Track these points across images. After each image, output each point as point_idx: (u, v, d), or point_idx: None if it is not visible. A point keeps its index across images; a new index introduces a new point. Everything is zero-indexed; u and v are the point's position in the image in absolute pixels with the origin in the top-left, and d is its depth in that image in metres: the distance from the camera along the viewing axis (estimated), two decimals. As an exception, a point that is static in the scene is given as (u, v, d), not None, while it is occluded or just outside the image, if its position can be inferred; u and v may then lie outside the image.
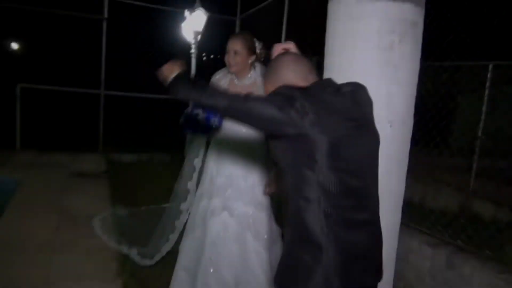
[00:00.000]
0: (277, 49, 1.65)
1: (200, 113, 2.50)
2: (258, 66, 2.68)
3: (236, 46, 2.59)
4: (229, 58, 2.60)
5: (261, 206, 2.67)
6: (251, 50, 2.62)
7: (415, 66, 1.91)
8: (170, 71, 1.53)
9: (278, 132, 1.37)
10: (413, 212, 3.53)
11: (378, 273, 1.48)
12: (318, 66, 2.51)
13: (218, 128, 2.56)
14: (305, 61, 1.55)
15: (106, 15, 6.81)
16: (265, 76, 1.60)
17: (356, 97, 1.46)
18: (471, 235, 2.87)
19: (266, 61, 2.71)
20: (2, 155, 6.01)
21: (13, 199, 4.28)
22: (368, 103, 1.51)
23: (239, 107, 1.40)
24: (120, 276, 2.95)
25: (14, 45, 19.74)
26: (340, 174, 1.34)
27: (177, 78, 1.52)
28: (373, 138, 1.47)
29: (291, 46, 1.64)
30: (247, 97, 1.40)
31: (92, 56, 7.36)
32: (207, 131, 2.57)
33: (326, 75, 2.02)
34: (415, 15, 1.83)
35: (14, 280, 2.73)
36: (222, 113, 1.50)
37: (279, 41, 5.46)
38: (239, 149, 2.71)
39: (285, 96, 1.35)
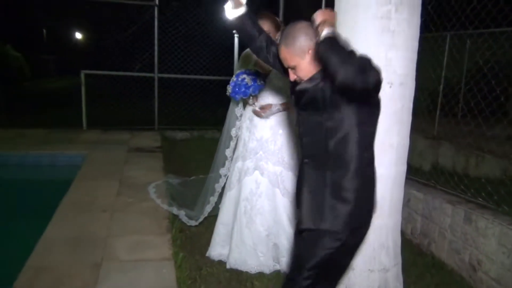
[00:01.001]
0: (319, 16, 1.67)
1: (246, 76, 2.87)
2: None
3: (265, 27, 2.87)
4: None
5: (288, 166, 2.99)
6: (277, 27, 2.92)
7: (413, 32, 2.12)
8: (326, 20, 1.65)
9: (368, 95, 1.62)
10: (441, 176, 3.70)
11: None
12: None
13: (261, 88, 2.92)
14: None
15: (157, 1, 7.27)
16: (287, 44, 1.74)
17: None
18: (491, 193, 3.01)
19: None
20: (72, 135, 6.72)
21: (80, 170, 4.87)
22: None
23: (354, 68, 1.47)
24: (170, 231, 3.37)
25: (78, 35, 21.06)
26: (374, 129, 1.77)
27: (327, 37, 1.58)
28: None
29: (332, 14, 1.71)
30: (355, 57, 1.52)
31: (145, 42, 7.91)
32: (253, 92, 2.91)
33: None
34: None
35: (83, 233, 3.24)
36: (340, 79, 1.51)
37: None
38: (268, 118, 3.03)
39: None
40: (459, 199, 3.16)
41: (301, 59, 1.74)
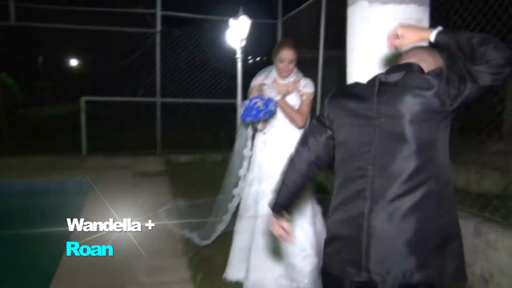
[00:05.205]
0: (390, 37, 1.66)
1: (259, 100, 2.96)
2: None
3: (292, 56, 3.02)
4: (284, 66, 3.05)
5: (303, 188, 3.08)
6: (298, 56, 3.07)
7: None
8: None
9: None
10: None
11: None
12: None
13: (274, 112, 3.00)
14: None
15: (159, 28, 7.47)
16: None
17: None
18: (498, 207, 3.13)
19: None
20: (75, 161, 6.80)
21: (90, 195, 4.93)
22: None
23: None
24: (186, 254, 3.44)
25: (74, 62, 21.31)
26: (341, 162, 1.67)
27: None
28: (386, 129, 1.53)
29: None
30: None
31: (147, 67, 8.09)
32: (264, 116, 2.97)
33: (349, 70, 2.42)
34: (419, 14, 2.19)
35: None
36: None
37: (317, 41, 5.82)
38: (283, 141, 3.13)
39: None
40: (466, 214, 3.26)
41: None
